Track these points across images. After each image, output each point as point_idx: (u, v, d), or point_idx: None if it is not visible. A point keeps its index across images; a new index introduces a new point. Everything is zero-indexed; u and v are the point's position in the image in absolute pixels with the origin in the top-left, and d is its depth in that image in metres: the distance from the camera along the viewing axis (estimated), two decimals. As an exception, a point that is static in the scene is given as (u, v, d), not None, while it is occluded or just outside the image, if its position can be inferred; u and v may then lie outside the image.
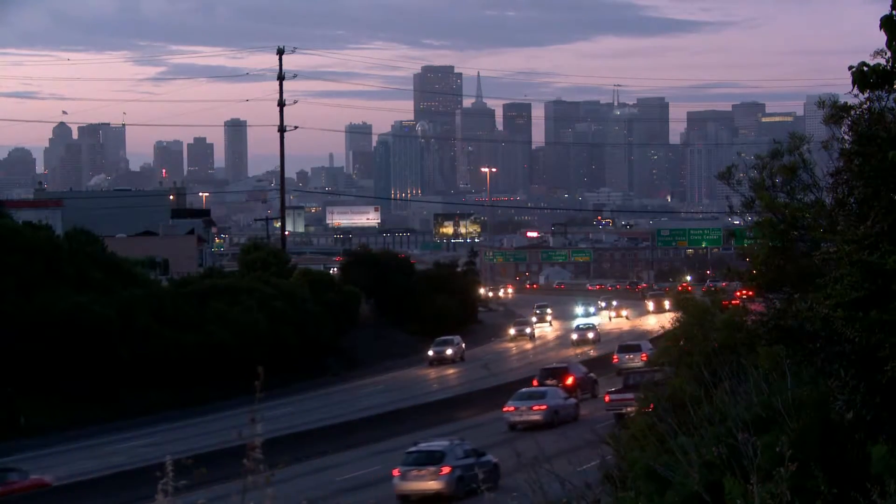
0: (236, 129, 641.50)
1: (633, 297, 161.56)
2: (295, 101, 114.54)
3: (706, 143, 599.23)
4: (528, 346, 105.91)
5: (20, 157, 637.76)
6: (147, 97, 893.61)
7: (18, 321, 70.35)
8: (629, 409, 42.66)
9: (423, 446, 43.08)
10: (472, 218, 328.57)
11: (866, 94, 15.44)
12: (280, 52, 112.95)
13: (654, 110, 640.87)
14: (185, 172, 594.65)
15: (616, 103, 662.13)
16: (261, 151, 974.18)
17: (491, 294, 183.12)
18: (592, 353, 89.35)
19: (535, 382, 65.20)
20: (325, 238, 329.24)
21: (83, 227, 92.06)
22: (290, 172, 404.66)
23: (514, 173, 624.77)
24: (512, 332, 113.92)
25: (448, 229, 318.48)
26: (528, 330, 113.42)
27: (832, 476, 13.52)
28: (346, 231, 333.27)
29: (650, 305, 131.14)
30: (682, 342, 35.84)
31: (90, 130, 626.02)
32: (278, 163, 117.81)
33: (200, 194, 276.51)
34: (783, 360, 17.38)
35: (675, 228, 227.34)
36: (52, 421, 67.60)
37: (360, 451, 53.91)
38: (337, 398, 76.65)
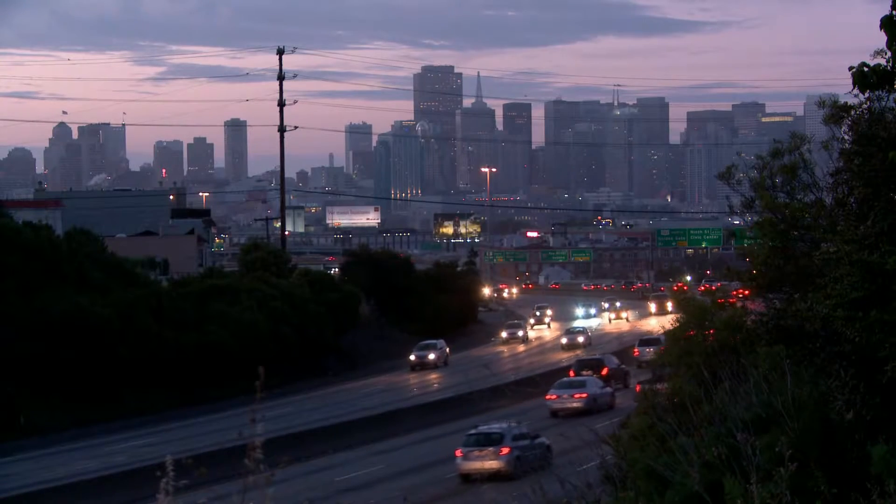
0: (236, 129, 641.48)
1: (632, 297, 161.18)
2: (295, 101, 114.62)
3: (706, 143, 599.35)
4: (521, 348, 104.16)
5: (20, 157, 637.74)
6: (147, 97, 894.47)
7: (18, 321, 70.33)
8: None
9: (482, 429, 45.81)
10: (472, 218, 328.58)
11: (866, 95, 15.46)
12: (280, 53, 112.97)
13: (654, 110, 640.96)
14: (185, 172, 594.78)
15: (616, 103, 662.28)
16: (261, 151, 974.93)
17: (496, 295, 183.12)
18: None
19: (571, 373, 68.78)
20: (325, 238, 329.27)
21: (83, 227, 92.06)
22: (290, 172, 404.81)
23: (514, 173, 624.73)
24: (504, 334, 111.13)
25: (448, 229, 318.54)
26: (520, 333, 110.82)
27: (832, 476, 13.52)
28: (346, 231, 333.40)
29: (652, 307, 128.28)
30: (682, 342, 35.85)
31: (90, 130, 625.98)
32: (278, 163, 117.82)
33: (200, 194, 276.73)
34: (783, 360, 17.37)
35: (675, 228, 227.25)
36: (52, 421, 67.56)
37: (360, 451, 53.92)
38: (337, 398, 76.63)
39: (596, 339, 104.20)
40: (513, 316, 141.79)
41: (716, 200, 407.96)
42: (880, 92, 15.44)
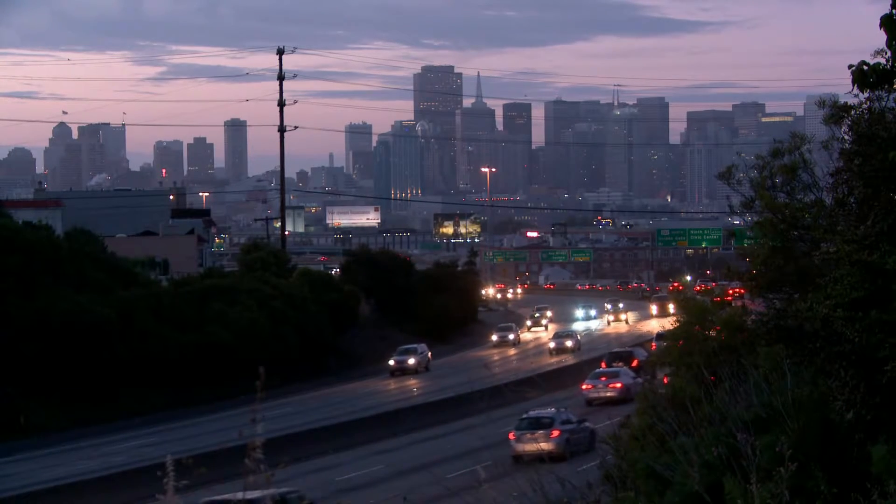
0: (236, 129, 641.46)
1: (631, 298, 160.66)
2: (295, 101, 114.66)
3: (706, 143, 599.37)
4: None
5: (20, 157, 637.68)
6: (147, 97, 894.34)
7: (18, 321, 70.34)
8: None
9: (532, 414, 49.36)
10: (472, 218, 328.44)
11: (866, 94, 15.45)
12: (280, 53, 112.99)
13: (654, 110, 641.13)
14: (185, 172, 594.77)
15: (616, 103, 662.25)
16: (261, 151, 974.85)
17: (500, 295, 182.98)
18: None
19: (603, 364, 70.75)
20: (325, 238, 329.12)
21: (83, 227, 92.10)
22: (290, 172, 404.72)
23: (514, 173, 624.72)
24: (494, 338, 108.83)
25: (448, 229, 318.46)
26: (510, 336, 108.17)
27: (832, 476, 13.52)
28: (346, 231, 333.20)
29: (654, 309, 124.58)
30: (681, 342, 35.84)
31: (90, 130, 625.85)
32: (278, 163, 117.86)
33: (200, 194, 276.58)
34: (783, 360, 17.37)
35: (675, 228, 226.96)
36: (52, 421, 67.56)
37: (359, 451, 53.92)
38: (337, 398, 76.61)
39: (596, 340, 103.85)
40: (512, 316, 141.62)
41: (716, 200, 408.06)
42: (880, 91, 15.44)
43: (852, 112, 16.93)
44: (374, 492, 42.03)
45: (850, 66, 14.18)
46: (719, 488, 13.36)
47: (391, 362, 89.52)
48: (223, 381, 75.63)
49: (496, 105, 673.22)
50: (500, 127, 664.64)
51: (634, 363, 69.82)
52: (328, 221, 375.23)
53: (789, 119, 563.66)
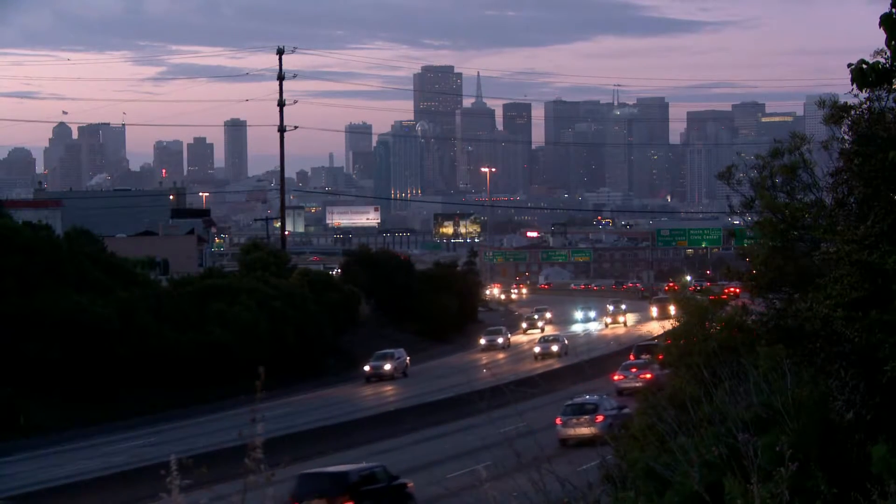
0: (236, 129, 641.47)
1: (631, 298, 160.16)
2: (295, 101, 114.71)
3: (706, 143, 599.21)
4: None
5: (20, 157, 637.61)
6: (147, 97, 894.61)
7: (18, 321, 70.33)
8: None
9: (577, 400, 51.96)
10: (472, 218, 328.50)
11: (866, 94, 15.46)
12: (280, 52, 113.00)
13: (654, 110, 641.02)
14: (185, 172, 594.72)
15: (616, 103, 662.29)
16: (261, 151, 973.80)
17: (504, 296, 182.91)
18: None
19: (631, 356, 71.68)
20: (325, 238, 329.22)
21: (83, 227, 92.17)
22: (290, 172, 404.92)
23: (514, 173, 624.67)
24: (482, 342, 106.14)
25: (448, 229, 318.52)
26: (499, 340, 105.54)
27: (832, 476, 13.52)
28: (346, 231, 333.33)
29: (654, 311, 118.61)
30: (682, 342, 35.80)
31: (90, 130, 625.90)
32: (278, 163, 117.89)
33: (200, 194, 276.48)
34: (783, 360, 17.37)
35: (675, 228, 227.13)
36: (52, 421, 67.53)
37: (359, 451, 53.89)
38: (337, 398, 76.62)
39: (594, 342, 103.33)
40: (512, 316, 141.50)
41: (716, 200, 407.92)
42: (879, 91, 15.44)
43: (852, 112, 16.93)
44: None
45: (849, 66, 14.18)
46: (719, 488, 13.36)
47: (366, 368, 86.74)
48: (223, 381, 75.63)
49: (496, 105, 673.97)
50: (500, 127, 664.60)
51: (661, 357, 70.68)
52: (328, 221, 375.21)
53: (789, 119, 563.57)
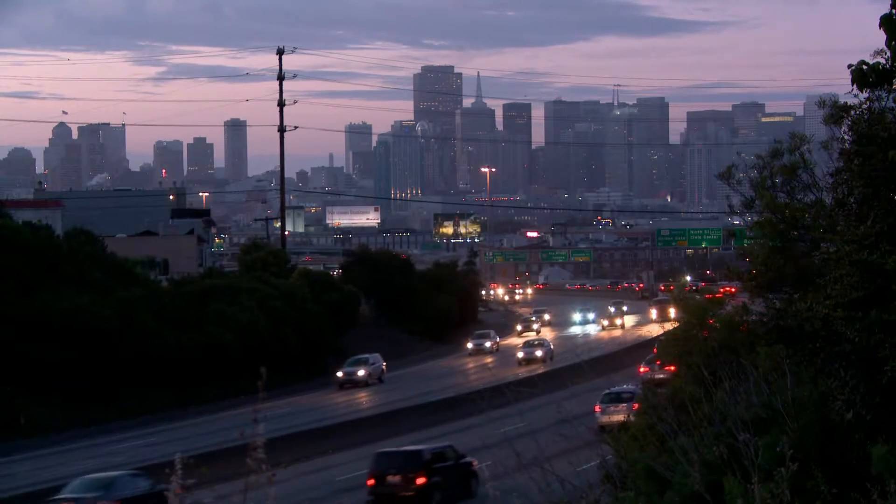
0: (236, 129, 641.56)
1: (627, 298, 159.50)
2: (295, 101, 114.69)
3: (706, 143, 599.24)
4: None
5: (20, 157, 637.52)
6: (147, 97, 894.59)
7: (18, 321, 70.32)
8: None
9: (615, 389, 55.26)
10: (472, 218, 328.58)
11: (866, 94, 15.46)
12: (280, 53, 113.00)
13: (654, 110, 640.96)
14: (185, 172, 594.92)
15: (616, 103, 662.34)
16: (261, 151, 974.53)
17: (507, 296, 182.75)
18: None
19: (655, 350, 71.93)
20: (325, 238, 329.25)
21: (83, 227, 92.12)
22: (290, 172, 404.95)
23: (514, 173, 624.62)
24: (469, 346, 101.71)
25: (448, 229, 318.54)
26: (487, 344, 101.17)
27: (832, 476, 13.53)
28: (346, 231, 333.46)
29: (653, 313, 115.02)
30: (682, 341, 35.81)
31: (90, 130, 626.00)
32: (278, 163, 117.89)
33: (200, 194, 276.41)
34: (783, 360, 17.38)
35: (674, 228, 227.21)
36: (52, 421, 67.52)
37: (359, 451, 53.88)
38: (336, 398, 76.55)
39: (590, 343, 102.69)
40: (512, 316, 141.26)
41: (716, 200, 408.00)
42: (880, 91, 15.45)
43: (852, 112, 16.93)
44: (374, 492, 42.00)
45: (849, 66, 14.20)
46: (719, 488, 13.37)
47: (339, 374, 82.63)
48: (223, 381, 75.67)
49: (496, 105, 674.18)
50: (499, 127, 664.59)
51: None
52: (328, 221, 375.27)
53: (789, 119, 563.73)
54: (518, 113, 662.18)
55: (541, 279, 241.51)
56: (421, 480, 39.70)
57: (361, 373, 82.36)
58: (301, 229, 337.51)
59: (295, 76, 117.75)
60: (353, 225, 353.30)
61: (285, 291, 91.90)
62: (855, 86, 14.42)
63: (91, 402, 70.91)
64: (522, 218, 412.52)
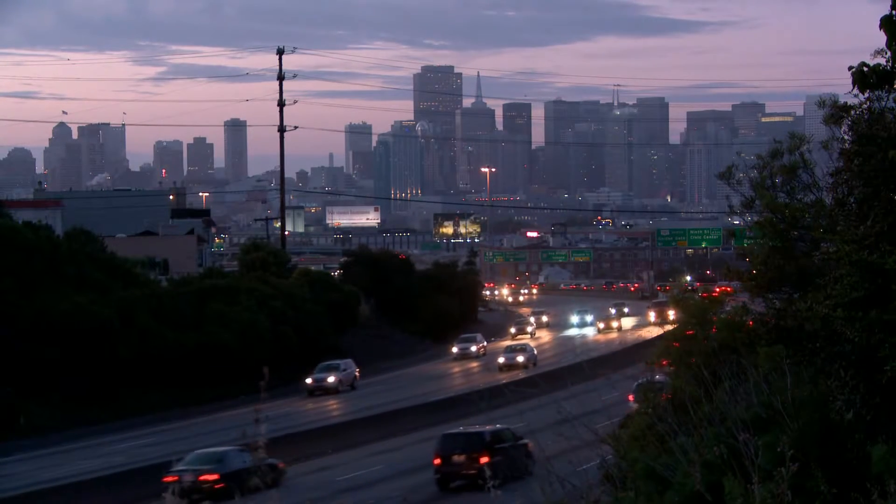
0: (236, 129, 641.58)
1: (625, 299, 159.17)
2: (295, 101, 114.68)
3: (706, 143, 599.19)
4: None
5: (20, 157, 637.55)
6: (147, 97, 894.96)
7: (18, 321, 70.33)
8: None
9: (641, 380, 54.84)
10: (472, 218, 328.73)
11: (866, 95, 15.46)
12: (280, 52, 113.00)
13: (654, 110, 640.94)
14: (185, 172, 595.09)
15: (616, 103, 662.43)
16: (261, 151, 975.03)
17: (511, 298, 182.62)
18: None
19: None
20: (325, 238, 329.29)
21: (83, 227, 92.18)
22: (290, 172, 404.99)
23: (513, 173, 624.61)
24: (454, 350, 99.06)
25: (448, 229, 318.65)
26: (472, 349, 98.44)
27: (832, 476, 13.52)
28: (346, 231, 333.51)
29: (651, 315, 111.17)
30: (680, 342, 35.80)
31: (90, 130, 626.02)
32: (278, 163, 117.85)
33: (200, 194, 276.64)
34: (783, 360, 17.37)
35: (674, 228, 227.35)
36: (52, 421, 67.53)
37: (360, 451, 53.92)
38: (336, 398, 76.54)
39: (587, 344, 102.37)
40: (511, 317, 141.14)
41: (716, 200, 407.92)
42: (880, 92, 15.45)
43: (852, 112, 16.92)
44: (374, 492, 42.03)
45: (850, 68, 14.20)
46: (719, 488, 13.37)
47: (308, 380, 78.94)
48: (223, 381, 75.68)
49: (496, 105, 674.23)
50: (499, 127, 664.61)
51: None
52: (328, 221, 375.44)
53: (789, 119, 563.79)
54: (518, 113, 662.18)
55: (541, 279, 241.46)
56: (484, 459, 41.93)
57: (332, 379, 79.25)
58: (301, 229, 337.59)
59: (295, 76, 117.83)
60: (353, 225, 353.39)
61: (285, 291, 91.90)
62: (856, 87, 14.42)
63: (91, 402, 70.93)
64: (522, 218, 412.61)
